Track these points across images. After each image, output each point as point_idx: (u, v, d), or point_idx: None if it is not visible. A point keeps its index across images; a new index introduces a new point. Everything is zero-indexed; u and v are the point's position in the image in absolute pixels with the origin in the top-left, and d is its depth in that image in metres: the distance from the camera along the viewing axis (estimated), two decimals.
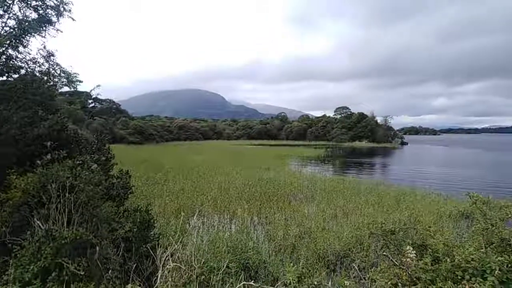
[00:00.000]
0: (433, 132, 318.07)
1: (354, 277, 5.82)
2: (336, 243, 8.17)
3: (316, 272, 6.72)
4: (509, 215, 3.40)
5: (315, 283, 2.98)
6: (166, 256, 4.28)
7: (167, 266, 4.27)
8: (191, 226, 9.80)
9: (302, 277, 3.04)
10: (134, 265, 4.97)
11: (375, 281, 2.85)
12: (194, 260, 4.46)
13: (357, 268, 5.40)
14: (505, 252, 2.97)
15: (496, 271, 2.62)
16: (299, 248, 8.04)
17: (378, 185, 18.86)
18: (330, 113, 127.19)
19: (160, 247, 5.23)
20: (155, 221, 6.86)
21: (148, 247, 5.29)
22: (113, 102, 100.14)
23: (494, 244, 3.16)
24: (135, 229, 5.51)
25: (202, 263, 4.74)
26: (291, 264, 3.70)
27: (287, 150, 59.41)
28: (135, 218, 5.81)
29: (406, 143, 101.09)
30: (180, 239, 5.05)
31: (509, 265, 2.73)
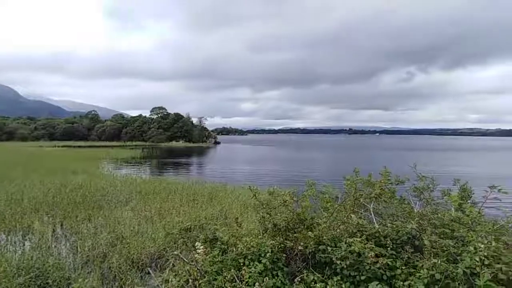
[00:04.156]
0: (242, 132, 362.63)
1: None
2: (150, 245, 8.06)
3: (128, 278, 6.45)
4: (282, 202, 4.22)
5: None
6: None
7: None
8: None
9: None
10: None
11: (168, 281, 2.97)
12: None
13: (152, 271, 5.49)
14: (277, 236, 3.68)
15: (268, 254, 3.21)
16: (111, 256, 7.51)
17: (194, 184, 19.67)
18: (147, 113, 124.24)
19: None
20: None
21: None
22: None
23: (269, 230, 3.86)
24: None
25: None
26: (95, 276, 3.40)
27: (100, 152, 54.38)
28: None
29: (219, 143, 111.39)
30: None
31: (279, 246, 3.40)
